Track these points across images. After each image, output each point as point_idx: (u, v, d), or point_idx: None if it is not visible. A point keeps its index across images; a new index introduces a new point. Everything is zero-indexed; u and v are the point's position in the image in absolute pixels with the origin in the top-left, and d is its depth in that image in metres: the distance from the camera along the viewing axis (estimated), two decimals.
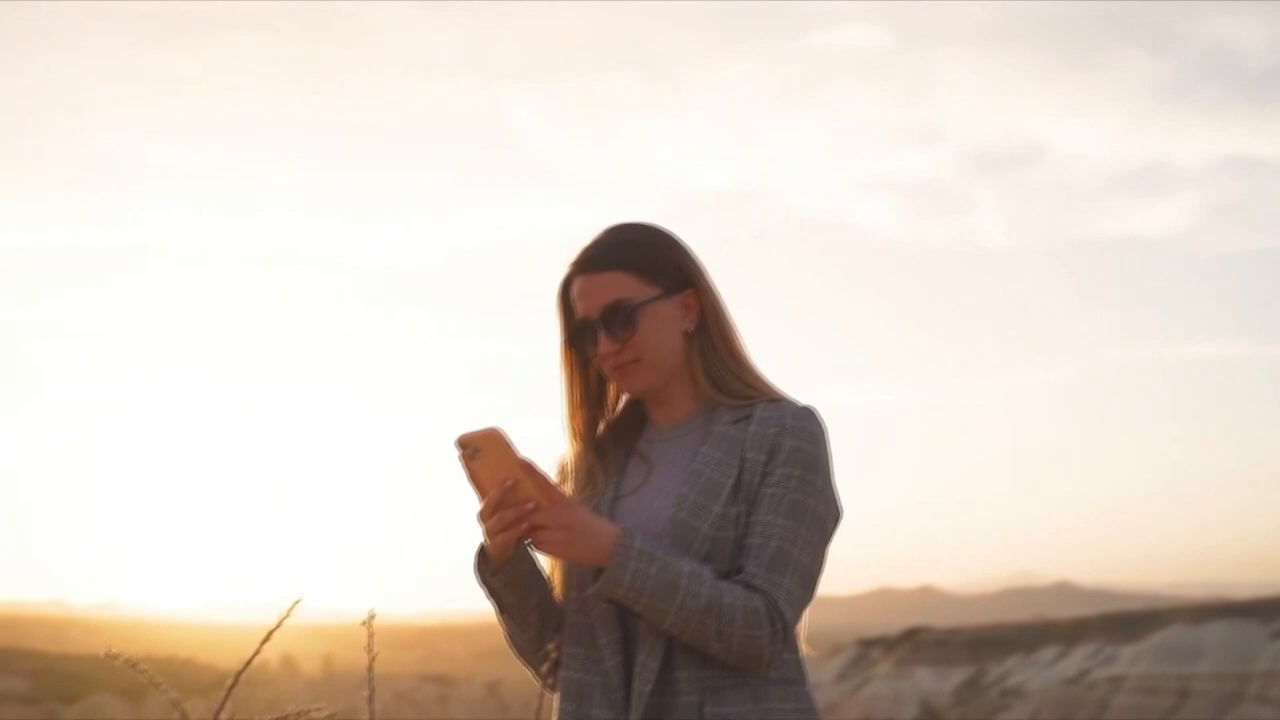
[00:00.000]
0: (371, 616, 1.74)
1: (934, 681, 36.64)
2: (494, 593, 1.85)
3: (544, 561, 1.91)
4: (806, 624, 1.90)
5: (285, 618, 1.67)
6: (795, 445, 1.84)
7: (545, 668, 1.90)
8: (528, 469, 1.73)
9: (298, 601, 1.70)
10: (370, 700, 1.70)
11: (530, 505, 1.73)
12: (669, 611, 1.73)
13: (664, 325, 1.89)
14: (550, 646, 1.88)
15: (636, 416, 2.00)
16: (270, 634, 1.66)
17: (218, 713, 1.54)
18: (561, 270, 1.96)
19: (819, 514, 1.84)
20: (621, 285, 1.88)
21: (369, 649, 1.73)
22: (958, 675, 36.59)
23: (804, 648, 1.89)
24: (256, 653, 1.55)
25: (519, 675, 2.01)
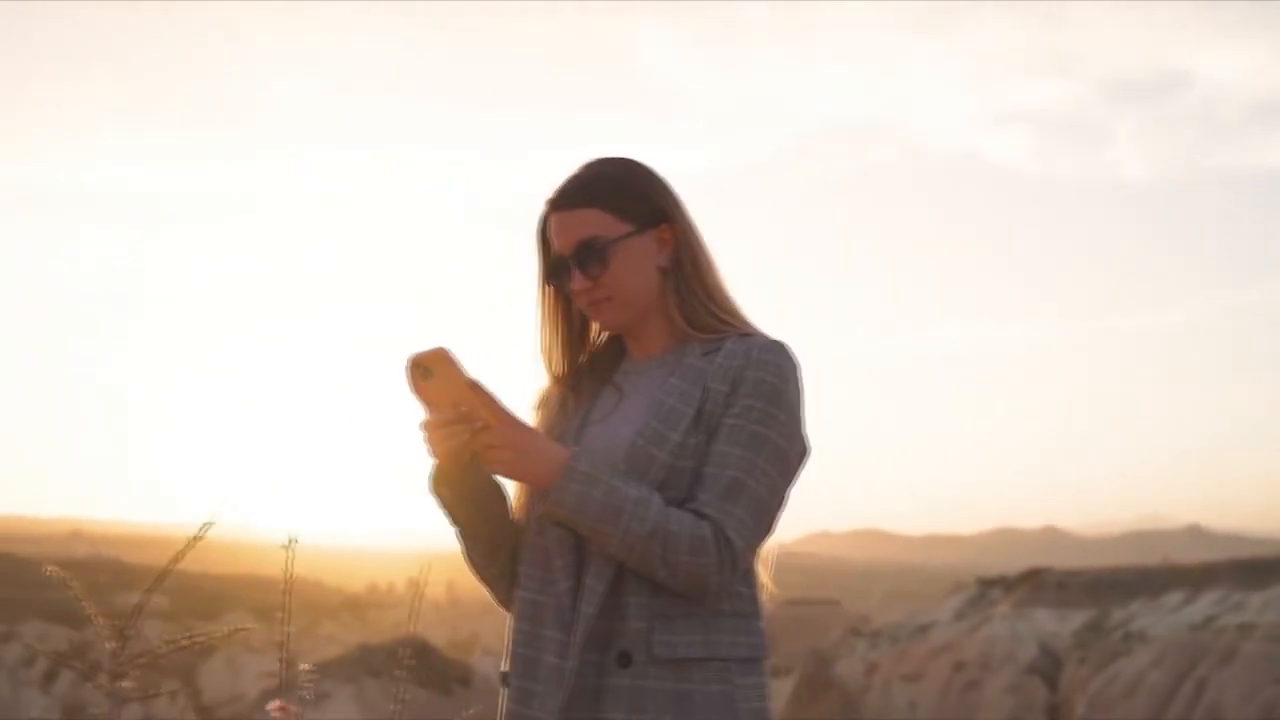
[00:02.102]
0: (293, 541, 1.76)
1: (1054, 623, 36.11)
2: (444, 506, 1.87)
3: (508, 484, 1.91)
4: (773, 560, 1.88)
5: (199, 537, 1.69)
6: (759, 377, 1.83)
7: (500, 587, 1.92)
8: (476, 388, 1.74)
9: (209, 524, 1.72)
10: (284, 620, 1.71)
11: (480, 424, 1.73)
12: (613, 535, 1.73)
13: (637, 262, 1.89)
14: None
15: (616, 350, 2.01)
16: (186, 550, 1.68)
17: (131, 617, 1.57)
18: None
19: (779, 447, 1.82)
20: (594, 222, 1.88)
21: (286, 572, 1.74)
22: (1078, 618, 36.01)
23: (765, 584, 1.88)
24: (172, 564, 1.57)
25: None
